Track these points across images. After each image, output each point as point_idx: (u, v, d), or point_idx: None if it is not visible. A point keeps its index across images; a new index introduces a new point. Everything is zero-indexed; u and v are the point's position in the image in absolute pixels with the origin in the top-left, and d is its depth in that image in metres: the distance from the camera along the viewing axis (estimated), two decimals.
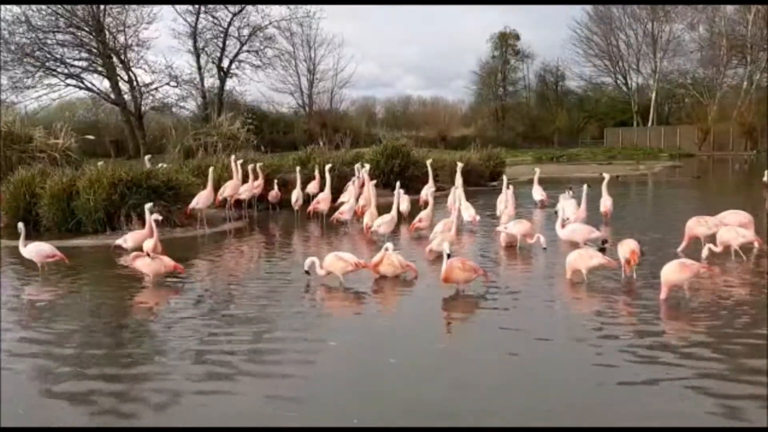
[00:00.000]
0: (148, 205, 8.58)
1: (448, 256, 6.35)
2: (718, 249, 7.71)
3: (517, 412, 3.88)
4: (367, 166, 12.78)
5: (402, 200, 11.12)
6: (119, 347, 5.20)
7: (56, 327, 5.68)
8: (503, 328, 5.47)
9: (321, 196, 12.30)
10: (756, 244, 7.92)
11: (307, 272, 6.97)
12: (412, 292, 6.77)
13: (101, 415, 3.90)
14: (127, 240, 8.79)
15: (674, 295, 6.00)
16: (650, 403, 3.90)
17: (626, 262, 6.81)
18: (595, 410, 3.88)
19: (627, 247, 6.79)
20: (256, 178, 13.07)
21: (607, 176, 11.32)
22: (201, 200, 11.39)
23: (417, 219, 10.31)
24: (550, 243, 8.47)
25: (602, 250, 7.94)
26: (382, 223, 9.72)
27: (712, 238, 7.96)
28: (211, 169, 11.87)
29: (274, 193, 13.48)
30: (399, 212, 10.44)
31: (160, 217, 8.51)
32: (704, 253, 7.63)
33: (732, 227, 7.93)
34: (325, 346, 5.13)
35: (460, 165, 13.69)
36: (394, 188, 10.86)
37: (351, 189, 12.64)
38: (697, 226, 8.18)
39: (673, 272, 5.91)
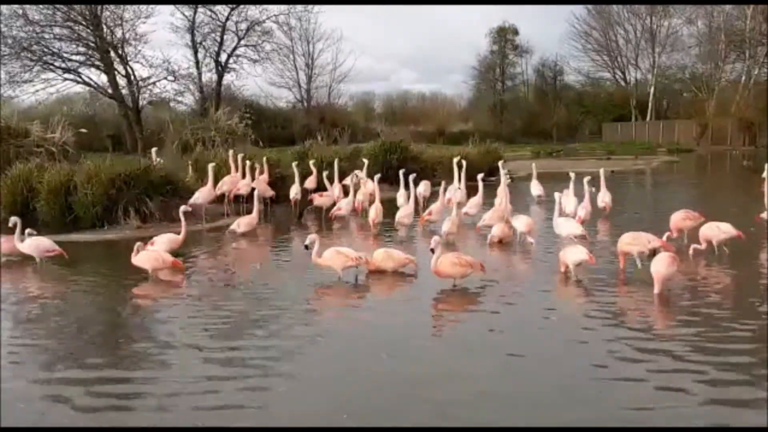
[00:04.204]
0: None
1: (432, 251, 6.41)
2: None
3: (511, 405, 3.90)
4: (364, 173, 12.67)
5: (400, 195, 11.13)
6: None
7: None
8: (497, 323, 5.48)
9: (326, 193, 12.40)
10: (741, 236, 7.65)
11: (306, 247, 6.92)
12: (411, 287, 6.78)
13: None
14: (240, 225, 9.48)
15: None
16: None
17: (626, 254, 6.85)
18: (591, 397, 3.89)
19: (643, 240, 6.83)
20: (269, 175, 13.15)
21: (601, 171, 11.26)
22: (202, 196, 11.36)
23: (427, 212, 10.37)
24: (549, 239, 8.44)
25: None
26: (405, 215, 9.88)
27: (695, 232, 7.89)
28: (210, 166, 11.80)
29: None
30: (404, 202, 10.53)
31: (190, 209, 8.74)
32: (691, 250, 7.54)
33: (713, 223, 7.64)
34: (318, 341, 5.12)
35: (463, 163, 13.26)
36: (392, 183, 10.84)
37: (336, 184, 12.71)
38: (683, 220, 8.17)
39: (665, 265, 5.92)
